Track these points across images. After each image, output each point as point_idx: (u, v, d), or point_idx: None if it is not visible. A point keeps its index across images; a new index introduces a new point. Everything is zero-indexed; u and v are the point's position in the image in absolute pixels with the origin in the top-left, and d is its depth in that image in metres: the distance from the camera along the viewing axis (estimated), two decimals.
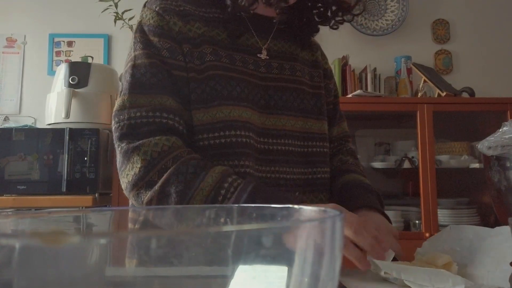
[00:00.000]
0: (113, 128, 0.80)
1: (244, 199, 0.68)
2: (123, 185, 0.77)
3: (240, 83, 0.82)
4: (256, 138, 0.82)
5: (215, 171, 0.72)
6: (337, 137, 1.01)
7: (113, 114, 0.80)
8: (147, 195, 0.72)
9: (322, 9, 0.93)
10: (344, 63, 2.56)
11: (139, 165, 0.73)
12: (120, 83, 0.82)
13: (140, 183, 0.73)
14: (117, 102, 0.80)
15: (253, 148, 0.81)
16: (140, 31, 0.82)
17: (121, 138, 0.77)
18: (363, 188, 0.88)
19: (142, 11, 0.85)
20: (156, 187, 0.71)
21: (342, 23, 0.94)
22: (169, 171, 0.72)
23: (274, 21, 0.89)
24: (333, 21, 0.94)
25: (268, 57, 0.88)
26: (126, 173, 0.75)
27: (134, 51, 0.82)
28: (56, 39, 2.80)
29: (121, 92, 0.81)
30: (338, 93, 1.06)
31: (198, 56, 0.81)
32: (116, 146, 0.78)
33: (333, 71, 2.49)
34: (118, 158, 0.78)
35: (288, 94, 0.88)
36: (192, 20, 0.83)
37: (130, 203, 0.86)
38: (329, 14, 0.93)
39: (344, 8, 0.91)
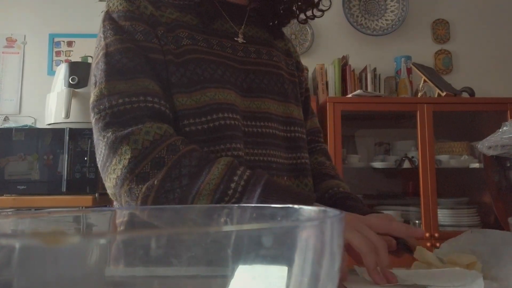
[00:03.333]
0: (93, 120, 0.73)
1: (258, 194, 0.65)
2: (111, 182, 0.69)
3: (220, 66, 0.79)
4: (242, 121, 0.79)
5: (220, 163, 0.68)
6: (310, 131, 1.00)
7: (91, 106, 0.73)
8: (142, 191, 0.65)
9: (287, 4, 0.94)
10: (344, 63, 2.56)
11: (128, 156, 0.66)
12: (93, 76, 0.77)
13: (130, 176, 0.66)
14: (93, 94, 0.74)
15: (241, 131, 0.78)
16: (109, 19, 0.77)
17: (105, 128, 0.70)
18: (353, 200, 0.86)
19: (107, 1, 0.80)
20: (156, 182, 0.65)
21: (313, 19, 0.96)
22: (169, 165, 0.66)
23: (248, 8, 0.88)
24: (303, 16, 0.95)
25: (245, 41, 0.87)
26: (113, 168, 0.68)
27: (104, 39, 0.76)
28: (56, 39, 2.80)
29: (95, 83, 0.74)
30: (309, 88, 1.06)
31: (173, 40, 0.77)
32: (99, 138, 0.71)
33: (333, 71, 2.52)
34: (102, 151, 0.71)
35: (268, 78, 0.86)
36: (163, 6, 0.80)
37: (114, 204, 0.79)
38: (294, 8, 0.95)
39: (310, 3, 0.93)
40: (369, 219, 0.66)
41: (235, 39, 0.85)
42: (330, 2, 0.97)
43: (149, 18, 0.77)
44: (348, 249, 0.60)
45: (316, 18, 0.96)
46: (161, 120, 0.72)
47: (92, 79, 0.77)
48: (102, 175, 0.72)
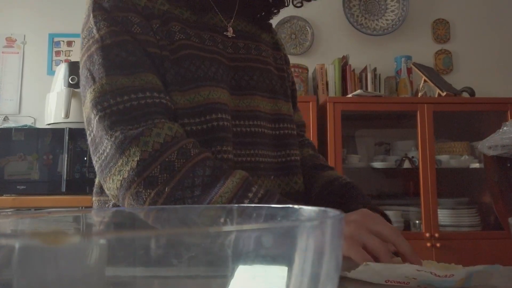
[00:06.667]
0: (96, 117, 0.68)
1: None
2: (114, 184, 0.66)
3: (214, 63, 0.77)
4: (231, 121, 0.77)
5: (235, 176, 0.66)
6: (297, 125, 0.99)
7: (92, 103, 0.68)
8: (150, 196, 0.63)
9: None
10: (344, 63, 2.56)
11: (137, 158, 0.64)
12: (86, 71, 0.71)
13: (138, 179, 0.63)
14: (93, 90, 0.69)
15: (231, 132, 0.76)
16: (99, 8, 0.72)
17: (112, 127, 0.66)
18: (358, 190, 0.84)
19: None
20: (166, 188, 0.63)
21: (309, 0, 0.94)
22: (182, 172, 0.64)
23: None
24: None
25: (234, 35, 0.84)
26: (119, 169, 0.65)
27: (97, 32, 0.71)
28: (56, 39, 2.80)
29: (93, 79, 0.69)
30: (294, 81, 1.04)
31: (167, 34, 0.75)
32: (105, 137, 0.67)
33: (333, 71, 2.52)
34: (106, 150, 0.67)
35: (258, 75, 0.84)
36: None
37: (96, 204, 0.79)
38: None
39: None
40: (378, 226, 0.63)
41: (225, 33, 0.83)
42: None
43: (144, 10, 0.74)
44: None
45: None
46: (170, 117, 0.70)
47: (84, 74, 0.72)
48: (102, 174, 0.69)
